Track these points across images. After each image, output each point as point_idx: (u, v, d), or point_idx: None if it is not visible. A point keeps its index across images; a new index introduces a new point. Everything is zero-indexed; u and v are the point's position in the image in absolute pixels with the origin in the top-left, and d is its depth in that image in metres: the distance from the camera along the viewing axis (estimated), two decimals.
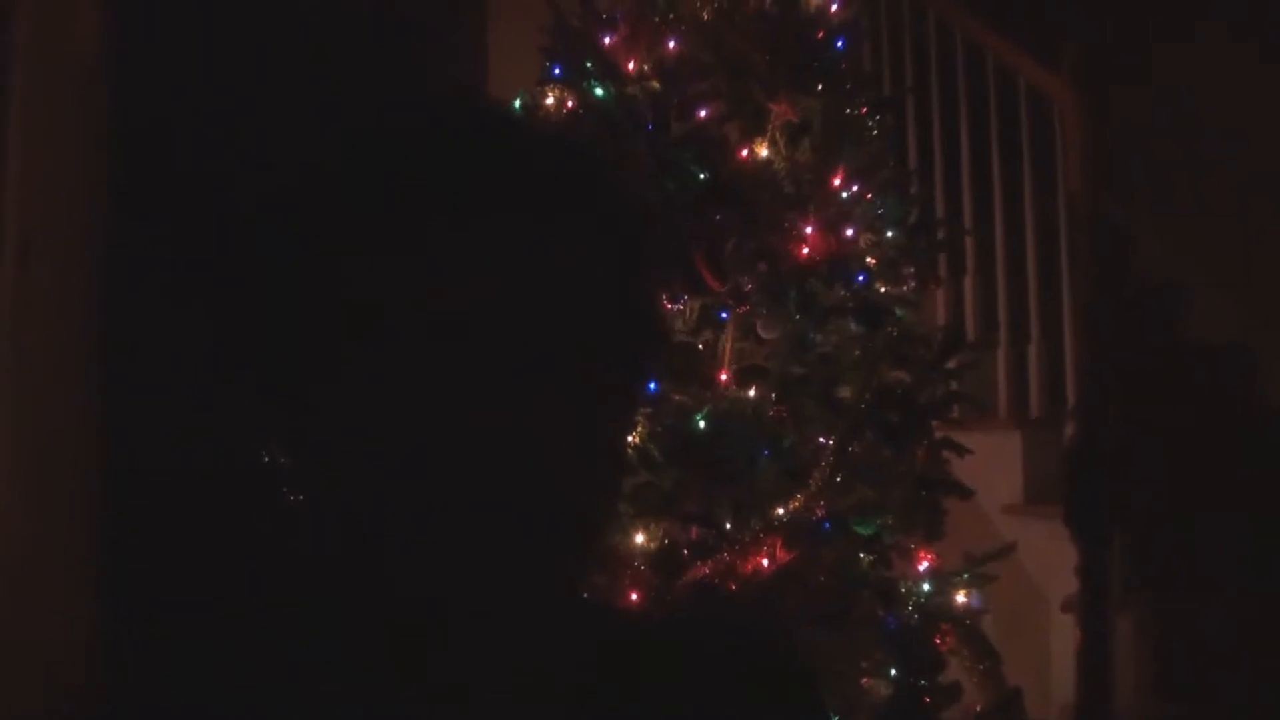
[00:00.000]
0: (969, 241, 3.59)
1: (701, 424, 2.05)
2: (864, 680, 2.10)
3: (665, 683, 0.70)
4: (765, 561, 1.98)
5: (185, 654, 0.69)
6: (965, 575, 2.27)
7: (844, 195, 2.26)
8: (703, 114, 2.20)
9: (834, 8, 2.32)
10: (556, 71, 2.31)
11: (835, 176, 2.26)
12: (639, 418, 2.00)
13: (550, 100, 2.28)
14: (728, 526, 2.02)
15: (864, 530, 2.08)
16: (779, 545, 1.98)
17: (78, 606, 2.12)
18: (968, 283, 3.63)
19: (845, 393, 2.17)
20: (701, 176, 2.15)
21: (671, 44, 2.25)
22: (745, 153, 2.20)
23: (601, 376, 0.63)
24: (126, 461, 2.23)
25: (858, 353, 2.19)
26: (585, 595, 0.74)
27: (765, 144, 2.21)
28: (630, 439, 2.01)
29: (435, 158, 0.61)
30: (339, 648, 0.66)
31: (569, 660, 0.68)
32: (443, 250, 0.60)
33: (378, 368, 0.60)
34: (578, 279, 0.62)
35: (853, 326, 2.19)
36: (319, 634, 0.67)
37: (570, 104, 2.27)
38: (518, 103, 2.30)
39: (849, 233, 2.22)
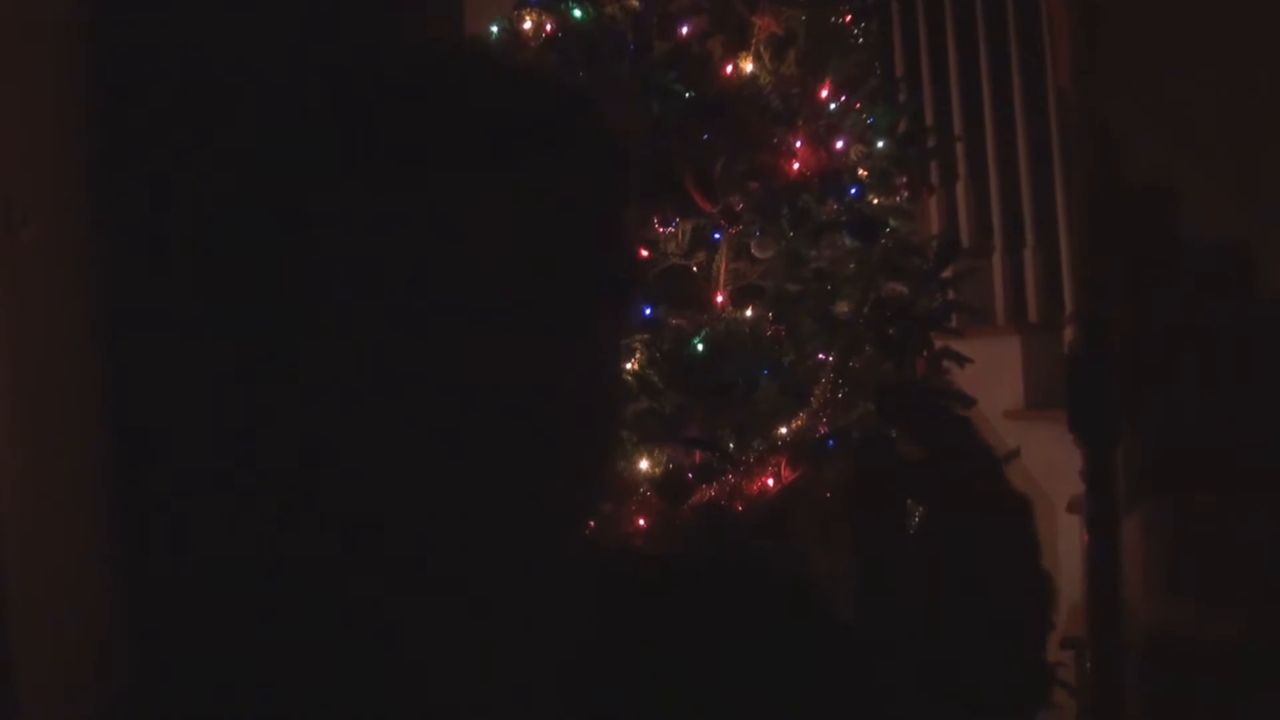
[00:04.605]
0: (960, 148, 3.56)
1: (700, 347, 2.03)
2: None
3: (670, 651, 0.69)
4: (770, 481, 1.98)
5: (196, 634, 0.68)
6: None
7: (832, 107, 2.23)
8: (684, 31, 2.16)
9: None
10: None
11: (822, 88, 2.22)
12: (636, 344, 1.99)
13: (528, 25, 2.23)
14: (731, 448, 2.02)
15: None
16: (783, 464, 1.98)
17: (80, 569, 2.12)
18: (960, 189, 3.60)
19: (842, 308, 2.15)
20: (687, 96, 2.11)
21: None
22: (730, 69, 2.16)
23: (591, 328, 0.61)
24: (130, 427, 2.21)
25: (853, 267, 2.17)
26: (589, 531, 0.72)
27: (750, 59, 2.17)
28: (629, 366, 2.00)
29: (417, 112, 0.59)
30: (340, 628, 0.65)
31: (571, 624, 0.67)
32: (429, 210, 0.58)
33: (367, 334, 0.58)
34: (563, 230, 0.60)
35: (847, 241, 2.17)
36: (320, 612, 0.66)
37: (549, 28, 2.22)
38: (494, 28, 2.26)
39: (839, 145, 2.20)
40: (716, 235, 2.10)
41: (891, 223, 2.24)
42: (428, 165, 0.58)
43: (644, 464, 2.00)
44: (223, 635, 0.68)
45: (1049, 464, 2.97)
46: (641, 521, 1.95)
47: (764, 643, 0.70)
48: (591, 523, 0.68)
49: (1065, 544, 2.98)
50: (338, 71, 0.63)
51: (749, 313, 2.11)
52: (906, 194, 2.38)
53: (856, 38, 2.34)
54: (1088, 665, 2.37)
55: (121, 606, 2.12)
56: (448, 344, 0.58)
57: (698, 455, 2.03)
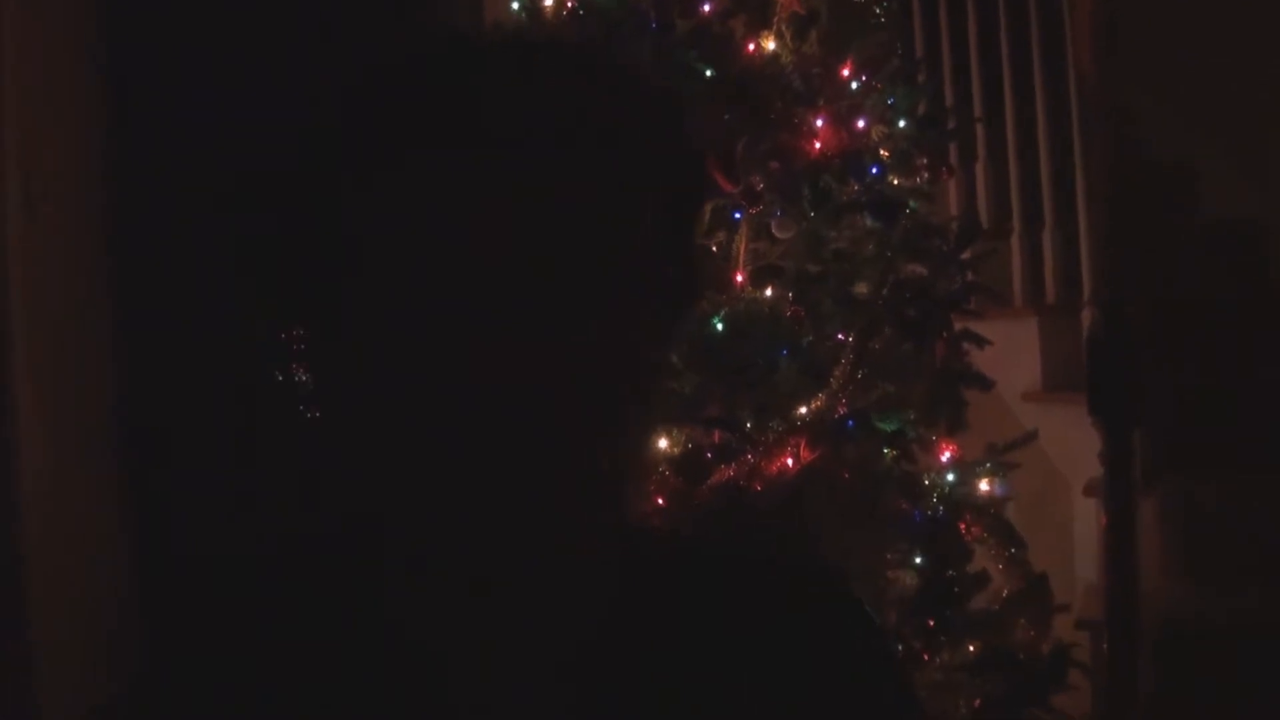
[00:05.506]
0: (979, 129, 3.54)
1: (719, 327, 2.03)
2: (891, 573, 2.12)
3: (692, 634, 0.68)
4: (789, 461, 1.98)
5: (197, 632, 0.69)
6: (988, 464, 2.27)
7: (854, 87, 2.21)
8: (706, 9, 2.15)
9: None
10: None
11: (844, 68, 2.21)
12: None
13: (549, 2, 2.22)
14: (750, 428, 2.02)
15: (886, 426, 2.08)
16: (802, 445, 1.98)
17: (97, 559, 2.13)
18: (979, 170, 3.58)
19: (862, 289, 2.15)
20: (708, 75, 2.10)
21: None
22: (752, 48, 2.15)
23: (593, 328, 0.61)
24: (142, 410, 2.22)
25: (873, 248, 2.17)
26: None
27: (772, 38, 2.16)
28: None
29: (420, 113, 0.59)
30: (341, 627, 0.65)
31: (574, 621, 0.66)
32: (430, 210, 0.58)
33: (367, 334, 0.59)
34: (565, 230, 0.60)
35: (867, 221, 2.16)
36: (322, 610, 0.66)
37: (570, 5, 2.21)
38: (515, 5, 2.25)
39: (860, 126, 2.18)
40: (737, 215, 2.10)
41: (911, 204, 2.23)
42: (428, 166, 0.58)
43: (663, 443, 2.01)
44: (224, 633, 0.68)
45: (1066, 446, 2.96)
46: (660, 500, 1.96)
47: (767, 639, 0.70)
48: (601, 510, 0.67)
49: (1082, 527, 2.98)
50: (343, 70, 0.63)
51: (769, 293, 2.10)
52: (926, 175, 2.36)
53: (878, 17, 2.33)
54: (1104, 646, 2.37)
55: (136, 601, 2.13)
56: (448, 344, 0.58)
57: (717, 435, 2.03)
